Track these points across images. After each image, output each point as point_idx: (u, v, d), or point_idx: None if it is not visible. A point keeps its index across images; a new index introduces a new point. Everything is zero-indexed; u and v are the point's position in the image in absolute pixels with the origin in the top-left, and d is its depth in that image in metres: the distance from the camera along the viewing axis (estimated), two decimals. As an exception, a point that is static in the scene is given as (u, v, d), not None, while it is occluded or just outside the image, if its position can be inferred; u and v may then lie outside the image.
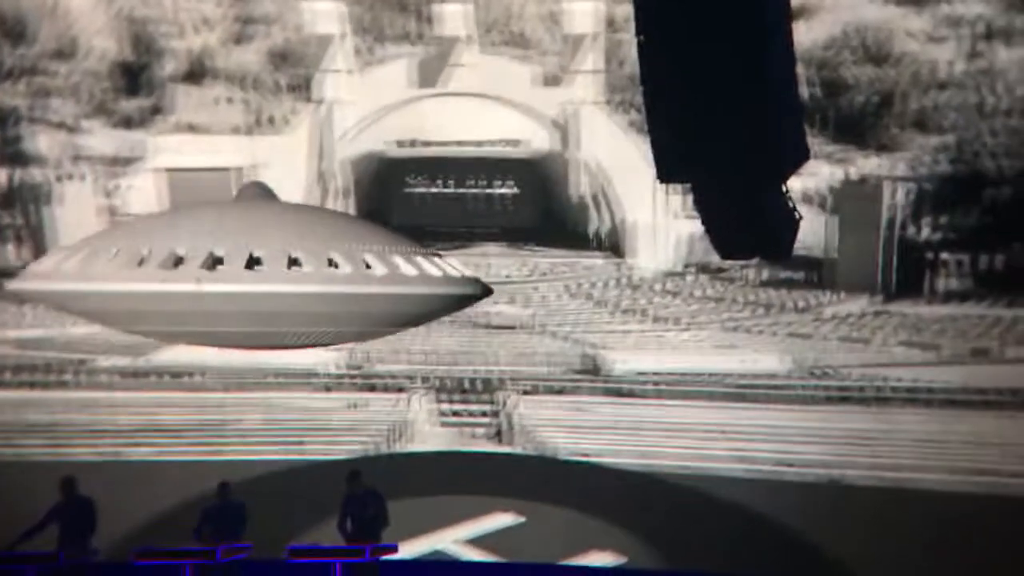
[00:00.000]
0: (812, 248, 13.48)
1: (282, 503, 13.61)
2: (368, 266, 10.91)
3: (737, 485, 13.36)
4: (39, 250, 14.73)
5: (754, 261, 13.25)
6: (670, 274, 14.32)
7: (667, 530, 13.58)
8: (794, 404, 13.53)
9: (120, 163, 14.83)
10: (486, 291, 11.74)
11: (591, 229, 14.70)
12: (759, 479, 13.34)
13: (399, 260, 11.09)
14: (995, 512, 12.20)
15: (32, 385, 14.72)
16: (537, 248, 14.67)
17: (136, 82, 14.82)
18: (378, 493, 11.37)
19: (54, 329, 14.88)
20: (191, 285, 10.54)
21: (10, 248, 15.10)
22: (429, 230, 14.27)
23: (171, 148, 14.85)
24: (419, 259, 11.21)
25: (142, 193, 14.84)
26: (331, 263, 10.85)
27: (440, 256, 11.59)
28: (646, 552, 13.63)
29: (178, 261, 10.79)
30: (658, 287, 14.28)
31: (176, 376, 14.68)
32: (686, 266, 14.16)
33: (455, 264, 11.63)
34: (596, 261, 14.36)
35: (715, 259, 12.90)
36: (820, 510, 12.96)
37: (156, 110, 14.83)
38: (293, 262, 10.74)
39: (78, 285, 10.97)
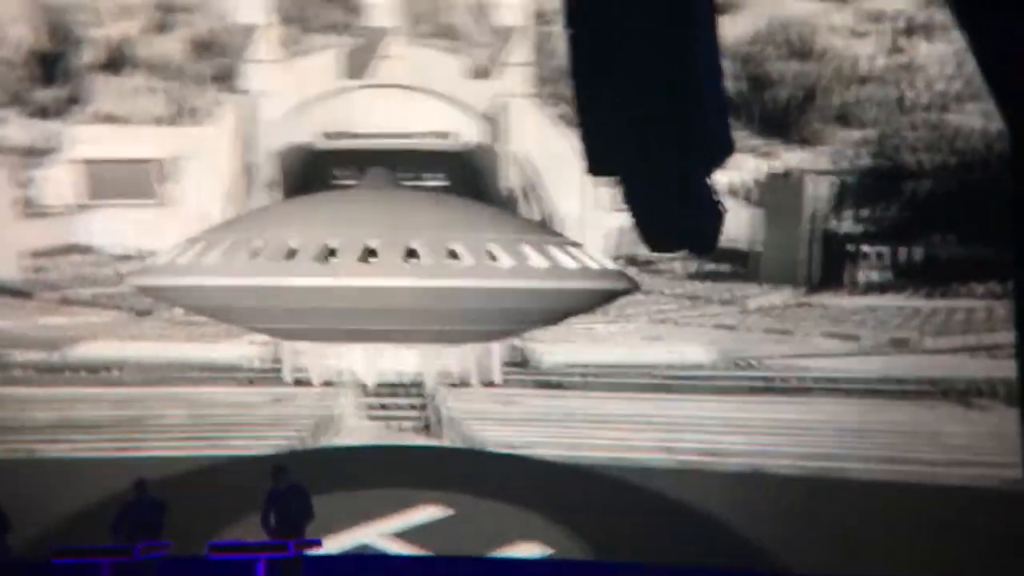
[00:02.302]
0: (737, 241, 13.64)
1: (205, 499, 13.42)
2: (528, 259, 10.58)
3: (663, 475, 13.47)
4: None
5: (681, 254, 13.34)
6: (599, 267, 14.37)
7: (594, 521, 13.67)
8: (719, 395, 13.68)
9: (36, 154, 14.45)
10: (636, 286, 11.50)
11: (520, 222, 14.69)
12: (684, 469, 13.47)
13: (557, 252, 10.79)
14: (912, 499, 12.48)
15: (-56, 382, 14.30)
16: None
17: (52, 71, 14.45)
18: (302, 488, 11.26)
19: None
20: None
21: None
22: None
23: (89, 139, 14.49)
24: (573, 250, 10.92)
25: (58, 184, 14.49)
26: (490, 256, 10.50)
27: (580, 245, 11.27)
28: (573, 543, 13.70)
29: (330, 254, 10.37)
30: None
31: (93, 371, 14.36)
32: (614, 258, 14.21)
33: (601, 256, 11.37)
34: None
35: (643, 251, 12.96)
36: (743, 499, 13.14)
37: (73, 100, 14.47)
38: (450, 254, 10.41)
39: (233, 280, 10.47)
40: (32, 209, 14.48)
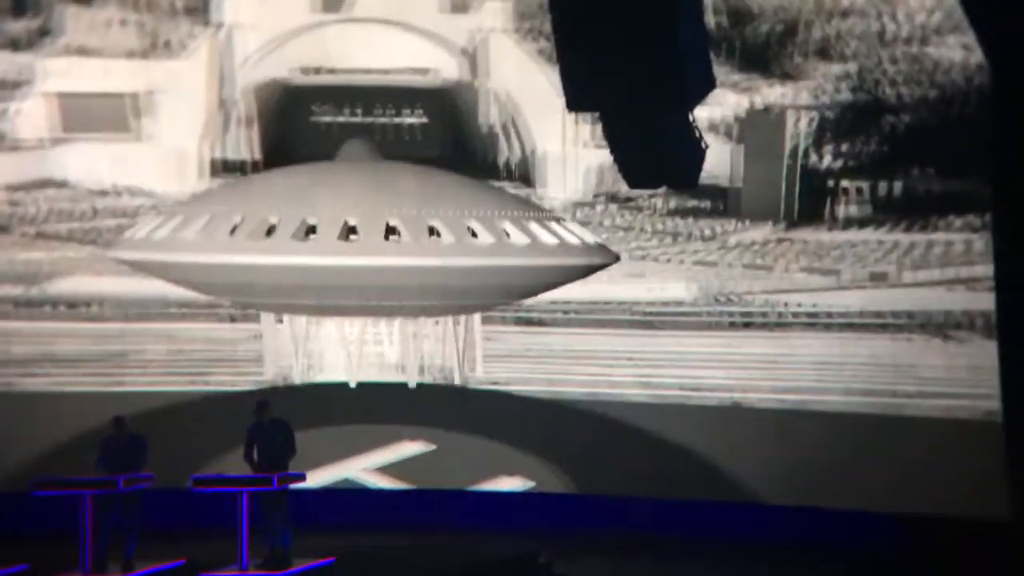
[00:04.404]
0: (718, 177, 13.60)
1: (187, 434, 13.52)
2: (508, 235, 10.70)
3: (643, 410, 13.62)
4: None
5: (661, 190, 13.33)
6: (579, 204, 14.35)
7: (574, 455, 13.84)
8: (699, 330, 13.77)
9: (8, 87, 14.23)
10: (616, 258, 11.66)
11: (501, 159, 14.61)
12: (664, 404, 13.61)
13: (536, 228, 10.89)
14: (890, 431, 12.66)
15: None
16: (446, 178, 14.55)
17: (22, 2, 14.16)
18: (285, 422, 11.38)
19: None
20: (331, 258, 10.21)
21: None
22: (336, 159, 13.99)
23: (61, 72, 14.26)
24: (554, 225, 11.03)
25: (31, 118, 14.29)
26: (471, 233, 10.60)
27: (563, 220, 11.39)
28: (554, 477, 13.89)
29: (310, 231, 10.48)
30: (568, 217, 14.32)
31: (72, 306, 14.33)
32: (595, 196, 14.17)
33: (581, 229, 11.48)
34: (506, 191, 14.32)
35: (624, 189, 12.93)
36: (722, 432, 13.31)
37: (44, 32, 14.21)
38: (430, 231, 10.53)
39: (211, 257, 10.59)
40: (6, 143, 14.31)
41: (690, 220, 14.05)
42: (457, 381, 12.86)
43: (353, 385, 12.60)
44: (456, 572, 11.10)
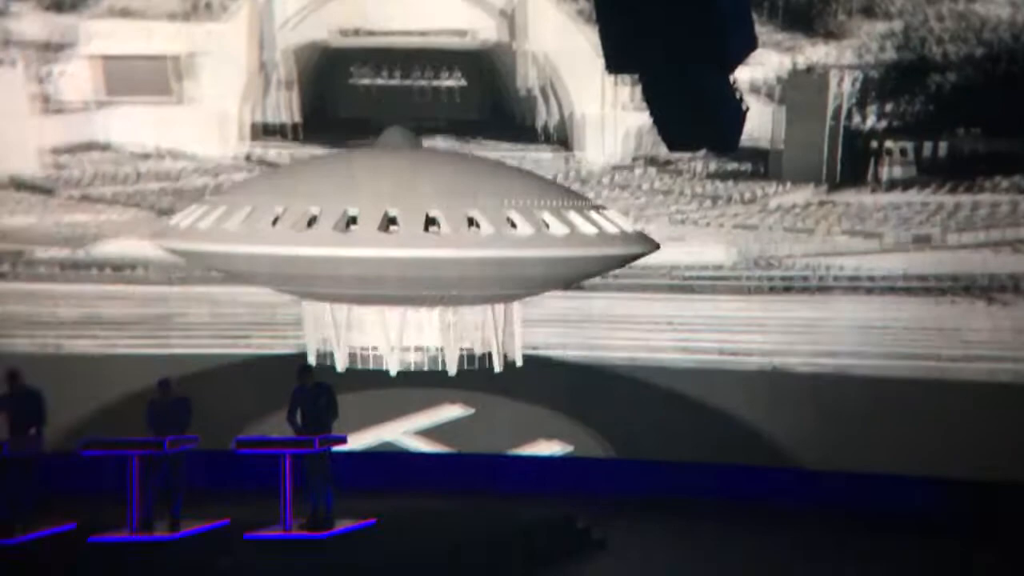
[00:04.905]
0: (759, 139, 13.47)
1: (230, 396, 13.68)
2: (547, 226, 10.76)
3: (681, 374, 13.60)
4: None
5: (701, 153, 13.22)
6: (618, 167, 14.28)
7: (613, 419, 13.86)
8: (739, 295, 13.70)
9: (52, 49, 14.34)
10: (655, 247, 11.66)
11: (539, 122, 14.55)
12: (703, 368, 13.58)
13: (575, 217, 10.91)
14: (931, 395, 12.57)
15: (-33, 277, 14.47)
16: (485, 141, 14.53)
17: (66, -37, 14.26)
18: (328, 386, 11.49)
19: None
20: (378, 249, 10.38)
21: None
22: (375, 123, 14.03)
23: (104, 34, 14.34)
24: (592, 214, 11.03)
25: (76, 80, 14.40)
26: (510, 223, 10.70)
27: (603, 208, 11.38)
28: (593, 441, 13.93)
29: (351, 221, 10.61)
30: (606, 180, 14.25)
31: (118, 269, 14.49)
32: (634, 159, 14.09)
33: (620, 217, 11.48)
34: (544, 154, 14.26)
35: (663, 151, 12.84)
36: (762, 396, 13.27)
37: (87, -7, 14.30)
38: (470, 222, 10.63)
39: (254, 248, 10.78)
40: (51, 105, 14.44)
41: (730, 183, 13.95)
42: (497, 368, 12.95)
43: (393, 374, 12.74)
44: (495, 535, 11.19)
